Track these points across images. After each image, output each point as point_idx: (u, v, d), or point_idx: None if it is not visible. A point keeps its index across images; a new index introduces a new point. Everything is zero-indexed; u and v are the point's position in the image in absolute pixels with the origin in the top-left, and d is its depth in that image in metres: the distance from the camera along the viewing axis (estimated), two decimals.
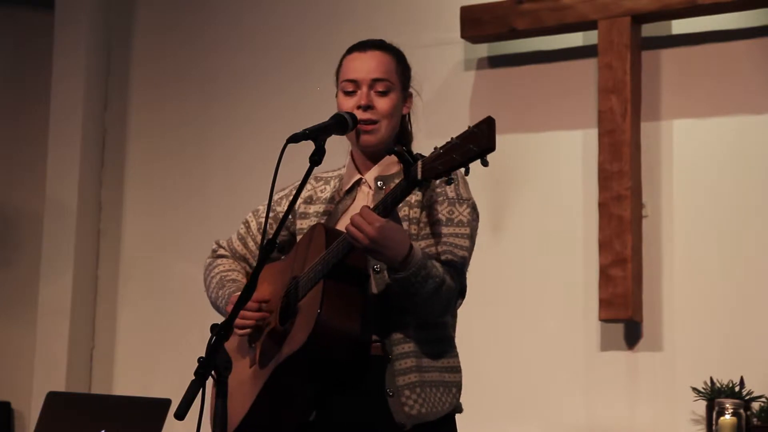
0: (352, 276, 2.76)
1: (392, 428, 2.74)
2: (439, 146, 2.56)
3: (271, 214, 3.04)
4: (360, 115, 2.87)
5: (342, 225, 2.83)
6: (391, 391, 2.75)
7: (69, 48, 5.69)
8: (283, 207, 3.05)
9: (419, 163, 2.56)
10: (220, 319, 2.53)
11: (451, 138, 2.53)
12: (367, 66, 2.90)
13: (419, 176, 2.56)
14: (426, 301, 2.70)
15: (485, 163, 2.51)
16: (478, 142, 2.48)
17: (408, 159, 2.58)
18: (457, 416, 2.90)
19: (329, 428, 2.81)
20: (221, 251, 3.15)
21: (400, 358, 2.76)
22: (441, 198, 2.83)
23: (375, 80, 2.89)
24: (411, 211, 2.82)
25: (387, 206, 2.66)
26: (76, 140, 5.62)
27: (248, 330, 2.89)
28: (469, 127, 2.51)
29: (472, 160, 2.50)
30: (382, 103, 2.88)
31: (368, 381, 2.78)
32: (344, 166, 3.02)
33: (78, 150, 5.61)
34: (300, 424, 2.83)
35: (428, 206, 2.82)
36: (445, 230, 2.80)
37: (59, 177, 5.63)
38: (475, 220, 2.88)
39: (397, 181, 2.81)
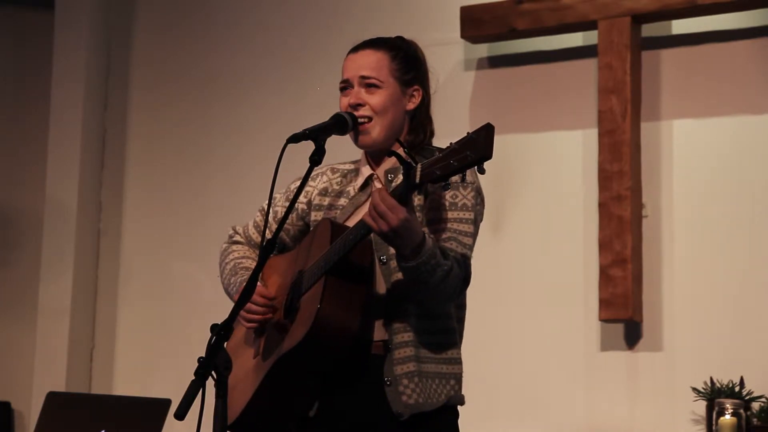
0: (355, 272, 2.76)
1: (390, 418, 2.75)
2: (442, 148, 2.56)
3: (287, 204, 3.05)
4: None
5: (354, 221, 2.84)
6: (389, 380, 2.76)
7: (69, 48, 5.69)
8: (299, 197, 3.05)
9: (419, 166, 2.56)
10: (220, 318, 2.53)
11: (451, 143, 2.53)
12: (355, 65, 2.92)
13: (417, 180, 2.57)
14: (433, 289, 2.70)
15: (482, 171, 2.51)
16: (475, 149, 2.48)
17: (406, 162, 2.59)
18: (460, 413, 2.90)
19: (329, 420, 2.82)
20: (237, 237, 3.17)
21: (400, 347, 2.77)
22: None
23: (363, 77, 2.90)
24: (416, 198, 2.83)
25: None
26: (76, 140, 5.62)
27: (255, 324, 2.91)
28: (468, 133, 2.51)
29: (469, 167, 2.50)
30: (371, 99, 2.89)
31: (369, 371, 2.78)
32: (360, 160, 3.03)
33: (78, 150, 5.61)
34: (301, 417, 2.84)
35: (432, 191, 2.83)
36: (448, 215, 2.80)
37: (59, 177, 5.63)
38: (480, 204, 2.87)
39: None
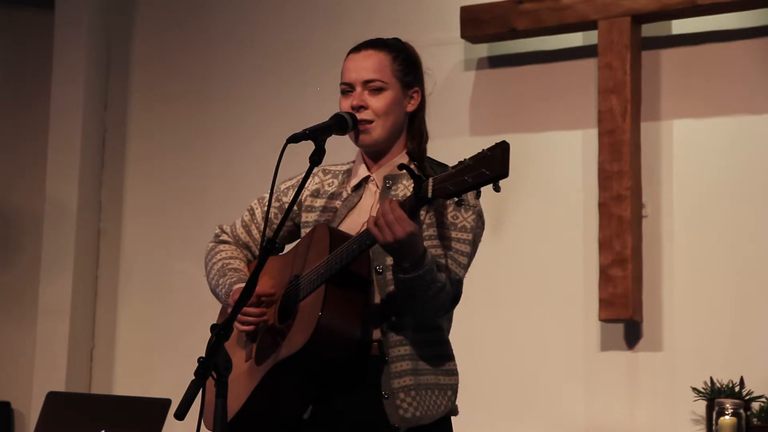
0: (355, 281, 2.76)
1: (387, 429, 2.75)
2: (452, 166, 2.55)
3: (277, 204, 3.03)
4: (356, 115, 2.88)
5: (348, 222, 2.84)
6: (386, 393, 2.76)
7: (69, 48, 5.69)
8: (289, 197, 3.02)
9: (430, 181, 2.55)
10: (219, 318, 2.53)
11: (464, 159, 2.52)
12: (358, 66, 2.90)
13: (429, 195, 2.56)
14: (425, 303, 2.71)
15: (497, 189, 2.50)
16: (491, 166, 2.47)
17: (417, 175, 2.58)
18: (458, 416, 2.90)
19: (324, 426, 2.81)
20: (224, 236, 3.14)
21: (396, 361, 2.77)
22: (447, 202, 2.82)
23: (367, 81, 2.89)
24: None
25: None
26: (76, 140, 5.62)
27: (251, 327, 2.89)
28: (483, 150, 2.50)
29: (484, 184, 2.49)
30: (375, 102, 2.88)
31: (365, 381, 2.78)
32: (353, 161, 3.02)
33: (78, 150, 5.61)
34: (295, 420, 2.83)
35: (434, 209, 2.82)
36: (448, 234, 2.80)
37: (59, 177, 5.63)
38: (480, 228, 2.87)
39: (404, 182, 2.84)
